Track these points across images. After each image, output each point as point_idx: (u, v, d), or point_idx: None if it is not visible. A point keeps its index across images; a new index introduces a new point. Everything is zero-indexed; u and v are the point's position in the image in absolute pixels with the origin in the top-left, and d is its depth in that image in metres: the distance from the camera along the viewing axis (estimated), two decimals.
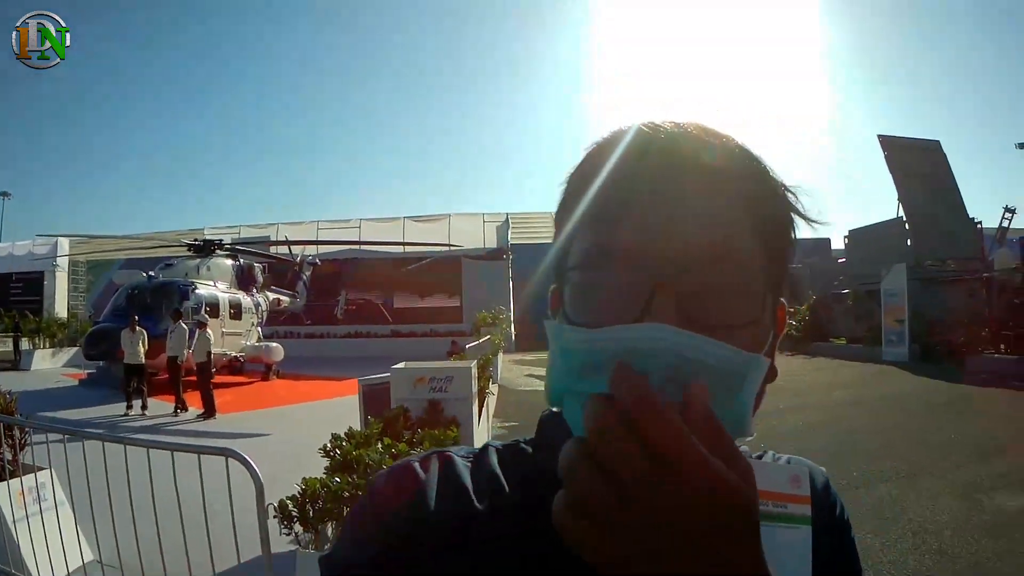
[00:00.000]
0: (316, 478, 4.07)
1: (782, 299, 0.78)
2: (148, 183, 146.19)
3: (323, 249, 33.06)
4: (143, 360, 14.99)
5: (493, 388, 15.33)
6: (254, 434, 12.45)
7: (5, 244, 43.79)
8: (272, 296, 25.88)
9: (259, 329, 23.77)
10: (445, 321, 33.09)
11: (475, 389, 7.56)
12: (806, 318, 27.23)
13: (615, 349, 0.60)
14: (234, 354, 21.37)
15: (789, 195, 0.75)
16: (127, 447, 4.15)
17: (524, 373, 22.27)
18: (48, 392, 18.59)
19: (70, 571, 4.75)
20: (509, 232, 35.27)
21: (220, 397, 16.57)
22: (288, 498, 4.01)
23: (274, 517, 3.90)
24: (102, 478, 4.23)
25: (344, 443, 4.83)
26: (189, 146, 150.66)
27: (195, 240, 23.49)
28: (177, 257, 23.22)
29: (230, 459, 3.72)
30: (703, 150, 0.69)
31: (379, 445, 4.61)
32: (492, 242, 34.65)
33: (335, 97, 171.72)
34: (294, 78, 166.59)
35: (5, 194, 60.43)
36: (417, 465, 0.74)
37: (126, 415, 14.23)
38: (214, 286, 21.29)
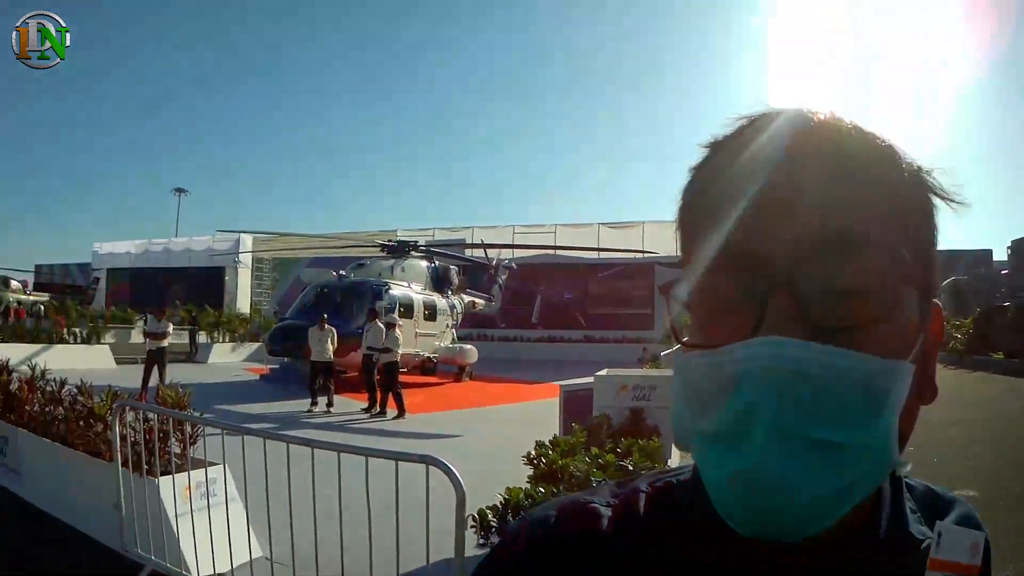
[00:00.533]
0: (519, 488, 3.83)
1: (936, 301, 0.65)
2: (335, 184, 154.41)
3: (518, 253, 33.43)
4: (331, 358, 15.19)
5: None
6: (445, 435, 12.44)
7: (182, 239, 46.75)
8: (467, 299, 26.18)
9: (453, 331, 23.97)
10: (636, 328, 32.61)
11: None
12: (970, 331, 25.06)
13: (721, 376, 0.55)
14: (427, 355, 21.56)
15: (926, 177, 0.63)
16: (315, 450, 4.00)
17: None
18: (228, 385, 19.38)
19: (235, 567, 4.62)
20: None
21: (411, 397, 16.75)
22: (488, 508, 3.85)
23: (471, 527, 3.72)
24: (279, 475, 4.09)
25: (549, 451, 4.71)
26: (379, 147, 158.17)
27: (389, 241, 23.96)
28: (370, 257, 23.86)
29: (431, 466, 3.54)
30: (830, 136, 0.60)
31: (585, 455, 4.45)
32: None
33: (531, 99, 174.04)
34: (486, 79, 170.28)
35: (182, 190, 65.40)
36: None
37: (310, 411, 14.53)
38: (408, 287, 21.46)
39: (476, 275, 29.82)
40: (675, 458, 8.18)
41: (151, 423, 5.32)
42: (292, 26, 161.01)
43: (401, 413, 14.22)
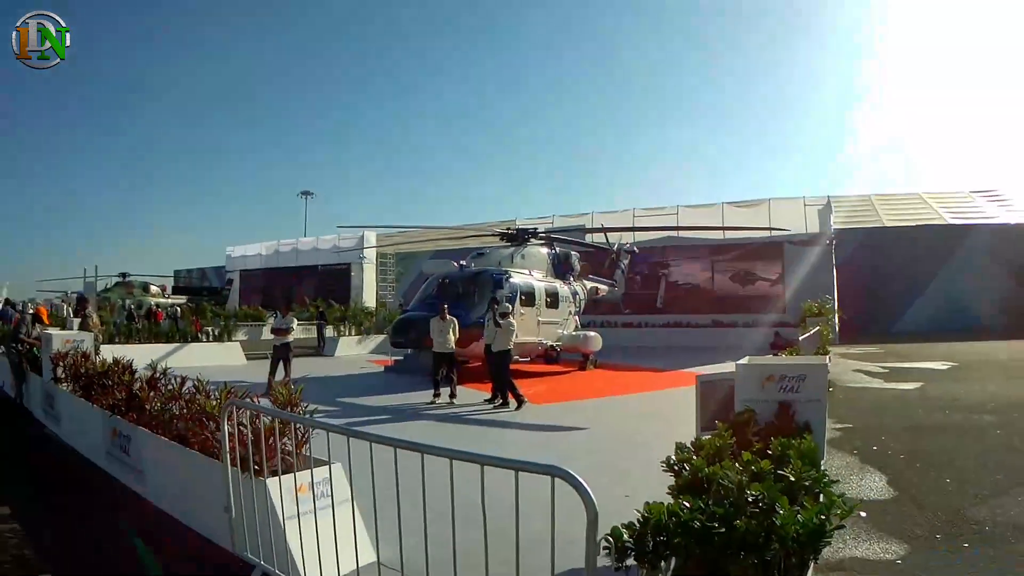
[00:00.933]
0: (660, 503, 3.23)
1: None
2: (454, 176, 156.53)
3: (640, 236, 32.55)
4: (452, 348, 15.04)
5: None
6: (570, 427, 12.13)
7: (309, 239, 48.31)
8: (590, 285, 25.58)
9: (576, 318, 23.41)
10: (768, 311, 31.10)
11: (826, 390, 6.52)
12: None
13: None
14: (551, 343, 21.08)
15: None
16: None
17: (852, 368, 20.27)
18: (353, 378, 19.85)
19: (345, 573, 4.46)
20: (832, 216, 32.45)
21: (534, 386, 16.81)
22: (624, 526, 3.28)
23: (605, 548, 3.14)
24: (390, 477, 3.81)
25: (692, 455, 4.12)
26: (498, 137, 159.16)
27: (508, 229, 23.37)
28: (490, 247, 23.69)
29: (557, 479, 3.06)
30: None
31: (734, 461, 3.83)
32: (814, 227, 32.17)
33: (644, 77, 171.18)
34: (602, 63, 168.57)
35: (309, 193, 67.55)
36: None
37: (433, 403, 14.40)
38: (529, 275, 21.11)
39: (599, 261, 29.22)
40: (826, 458, 7.52)
41: (262, 422, 5.15)
42: (404, 22, 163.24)
43: (520, 403, 13.92)
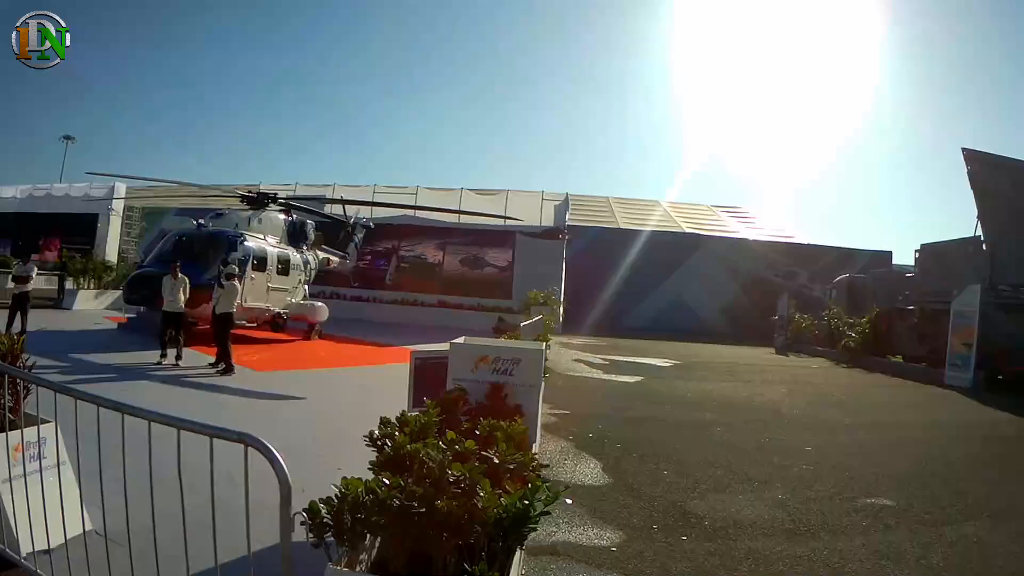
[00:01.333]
0: (359, 479, 3.24)
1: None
2: (207, 134, 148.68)
3: (377, 212, 32.50)
4: (182, 308, 14.59)
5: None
6: (289, 397, 12.02)
7: (64, 185, 44.28)
8: (322, 255, 25.45)
9: (306, 287, 23.29)
10: (494, 296, 32.46)
11: (541, 375, 6.86)
12: (866, 330, 26.22)
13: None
14: (277, 310, 21.02)
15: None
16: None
17: (572, 357, 21.66)
18: (86, 334, 18.71)
19: (68, 540, 4.17)
20: (568, 213, 34.28)
21: (258, 353, 16.75)
22: (322, 501, 3.25)
23: (302, 524, 3.15)
24: (109, 440, 3.63)
25: (396, 432, 4.17)
26: (251, 100, 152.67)
27: (249, 191, 22.88)
28: (231, 209, 22.92)
29: (250, 447, 3.06)
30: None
31: (439, 439, 3.93)
32: (549, 221, 33.79)
33: (409, 61, 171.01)
34: (364, 38, 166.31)
35: (70, 138, 61.95)
36: None
37: (159, 364, 13.91)
38: (264, 239, 20.79)
39: (334, 232, 28.90)
40: (539, 443, 7.88)
41: None
42: None
43: (229, 368, 13.65)
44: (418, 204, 33.20)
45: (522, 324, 15.03)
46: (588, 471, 8.13)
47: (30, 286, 15.15)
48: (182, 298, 14.50)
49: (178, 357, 14.15)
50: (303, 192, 34.30)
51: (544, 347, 7.05)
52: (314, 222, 24.98)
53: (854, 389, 18.55)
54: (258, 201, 21.97)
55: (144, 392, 11.03)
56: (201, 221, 20.33)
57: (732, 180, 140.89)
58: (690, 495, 7.36)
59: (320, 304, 22.50)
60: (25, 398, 5.01)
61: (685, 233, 43.72)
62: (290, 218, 22.99)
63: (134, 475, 3.52)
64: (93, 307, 26.73)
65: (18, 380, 4.92)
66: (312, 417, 10.26)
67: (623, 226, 42.78)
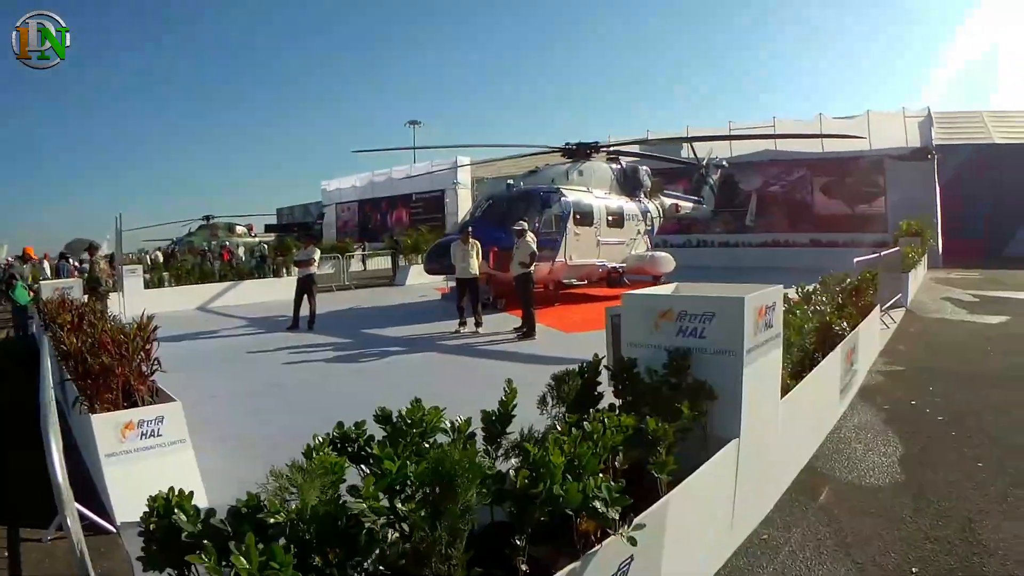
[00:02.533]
0: None
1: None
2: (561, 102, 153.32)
3: (735, 150, 30.54)
4: (474, 274, 14.06)
5: (883, 316, 12.43)
6: (577, 358, 11.01)
7: (403, 167, 47.18)
8: (669, 202, 23.95)
9: (647, 237, 21.70)
10: (869, 230, 28.38)
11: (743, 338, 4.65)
12: None
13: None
14: (613, 265, 19.60)
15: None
16: None
17: (940, 295, 17.81)
18: (401, 308, 19.57)
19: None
20: (933, 130, 29.35)
21: (580, 313, 16.18)
22: None
23: None
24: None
25: None
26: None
27: (567, 144, 21.47)
28: (547, 164, 22.01)
29: None
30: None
31: None
32: (915, 141, 29.32)
33: None
34: None
35: (416, 122, 67.43)
36: None
37: (458, 332, 13.76)
38: (587, 191, 19.64)
39: (686, 176, 27.56)
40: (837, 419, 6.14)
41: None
42: None
43: (530, 332, 13.14)
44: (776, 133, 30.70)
45: (855, 260, 12.74)
46: (877, 462, 5.95)
47: (313, 269, 15.49)
48: (475, 263, 14.02)
49: (477, 324, 13.99)
50: (654, 137, 33.10)
51: (778, 296, 5.17)
52: (652, 168, 23.61)
53: None
54: (578, 152, 20.92)
55: (404, 365, 11.06)
56: (510, 181, 19.92)
57: None
58: (988, 503, 4.94)
59: (662, 255, 20.96)
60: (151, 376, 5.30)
61: None
62: (620, 166, 21.76)
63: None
64: (427, 281, 27.09)
65: (143, 365, 5.12)
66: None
67: (999, 141, 35.06)
